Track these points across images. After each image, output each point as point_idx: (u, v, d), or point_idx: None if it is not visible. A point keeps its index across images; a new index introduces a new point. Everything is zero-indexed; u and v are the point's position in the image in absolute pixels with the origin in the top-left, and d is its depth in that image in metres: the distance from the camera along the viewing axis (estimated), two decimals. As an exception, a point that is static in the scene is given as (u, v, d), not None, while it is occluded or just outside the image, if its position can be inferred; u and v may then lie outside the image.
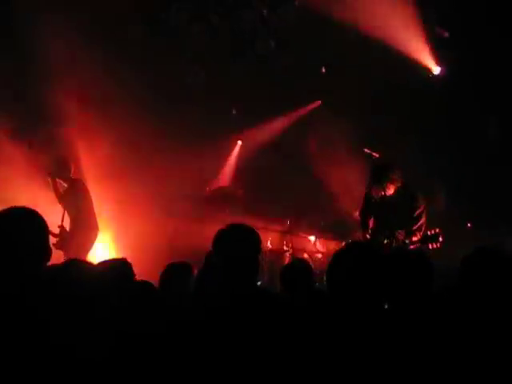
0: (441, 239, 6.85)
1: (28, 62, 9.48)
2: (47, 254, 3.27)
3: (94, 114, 9.86)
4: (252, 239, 3.74)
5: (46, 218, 3.24)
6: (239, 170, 10.86)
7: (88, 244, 9.05)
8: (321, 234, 10.21)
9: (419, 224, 7.25)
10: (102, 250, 9.63)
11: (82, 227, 9.02)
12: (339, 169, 9.92)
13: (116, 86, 9.51)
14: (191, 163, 10.18)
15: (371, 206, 7.57)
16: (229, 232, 3.74)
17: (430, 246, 6.83)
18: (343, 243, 7.04)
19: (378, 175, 7.20)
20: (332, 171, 10.11)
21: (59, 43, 9.23)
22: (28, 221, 3.18)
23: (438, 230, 6.89)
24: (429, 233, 6.94)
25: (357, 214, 10.01)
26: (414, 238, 7.02)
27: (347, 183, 9.78)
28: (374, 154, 7.51)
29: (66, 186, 9.18)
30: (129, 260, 4.06)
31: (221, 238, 3.72)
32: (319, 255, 9.68)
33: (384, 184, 7.15)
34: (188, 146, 10.14)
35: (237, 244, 3.67)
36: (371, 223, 7.59)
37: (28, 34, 9.10)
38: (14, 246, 3.05)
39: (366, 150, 7.54)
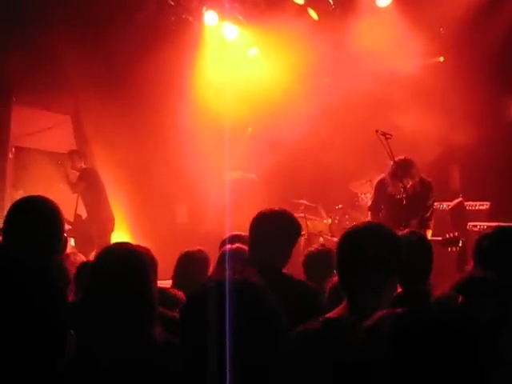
0: (460, 243, 6.92)
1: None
2: (62, 242, 3.22)
3: (114, 110, 9.86)
4: (281, 223, 3.76)
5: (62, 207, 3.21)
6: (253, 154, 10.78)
7: (107, 232, 9.14)
8: (336, 217, 10.16)
9: (430, 212, 7.50)
10: (120, 238, 9.65)
11: (98, 216, 9.10)
12: (355, 151, 9.86)
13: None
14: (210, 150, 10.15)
15: (382, 199, 7.61)
16: (262, 215, 3.75)
17: (450, 249, 6.90)
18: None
19: (400, 173, 7.21)
20: (348, 152, 10.05)
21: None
22: (43, 209, 3.13)
23: (456, 234, 6.96)
24: (447, 236, 7.02)
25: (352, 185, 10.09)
26: (429, 234, 7.09)
27: (364, 164, 9.72)
28: (387, 134, 7.42)
29: (78, 174, 9.30)
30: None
31: (254, 219, 3.73)
32: (335, 239, 9.60)
33: (405, 181, 7.19)
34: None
35: (264, 226, 3.69)
36: (382, 217, 7.64)
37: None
38: (28, 233, 3.01)
39: (378, 130, 7.45)
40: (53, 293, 1.49)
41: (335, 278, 4.39)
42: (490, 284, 2.48)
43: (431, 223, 7.46)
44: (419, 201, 7.33)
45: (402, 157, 7.36)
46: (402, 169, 7.24)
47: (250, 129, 11.15)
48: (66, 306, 1.62)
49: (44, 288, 1.46)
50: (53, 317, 1.47)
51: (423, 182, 7.45)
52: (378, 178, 7.83)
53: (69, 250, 8.08)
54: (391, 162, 7.33)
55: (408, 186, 7.21)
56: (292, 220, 3.84)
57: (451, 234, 7.02)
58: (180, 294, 4.08)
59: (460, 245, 7.00)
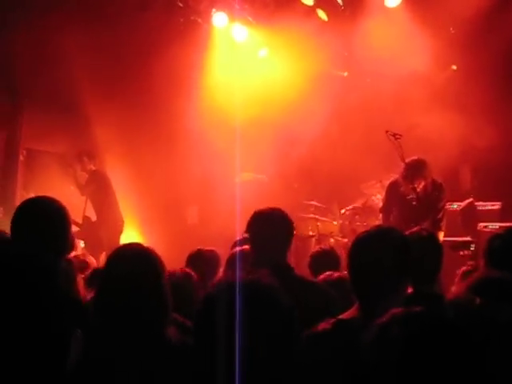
0: (472, 247, 6.91)
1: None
2: (68, 243, 3.23)
3: (123, 111, 9.87)
4: (283, 223, 3.75)
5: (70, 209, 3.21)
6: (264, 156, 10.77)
7: (116, 234, 9.13)
8: (347, 218, 10.13)
9: (442, 214, 7.53)
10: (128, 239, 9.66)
11: (107, 218, 9.09)
12: (366, 152, 9.82)
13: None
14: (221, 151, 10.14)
15: (393, 201, 7.59)
16: (262, 215, 3.75)
17: (462, 253, 6.90)
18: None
19: (412, 173, 7.21)
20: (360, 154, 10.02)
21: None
22: (49, 209, 3.13)
23: (469, 238, 6.96)
24: (459, 239, 7.03)
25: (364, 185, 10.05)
26: (441, 236, 7.08)
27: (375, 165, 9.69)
28: (397, 134, 7.40)
29: (87, 176, 9.30)
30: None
31: (255, 220, 3.73)
32: (345, 240, 9.58)
33: (416, 182, 7.19)
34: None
35: (268, 226, 3.69)
36: (393, 219, 7.62)
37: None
38: (34, 233, 3.03)
39: (388, 131, 7.43)
40: (55, 290, 1.49)
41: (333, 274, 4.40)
42: (507, 285, 2.44)
43: (443, 225, 7.44)
44: (430, 202, 7.32)
45: (414, 157, 7.35)
46: (414, 170, 7.23)
47: None
48: (71, 304, 1.62)
49: (46, 286, 1.46)
50: (55, 314, 1.47)
51: (435, 184, 7.45)
52: (390, 179, 7.83)
53: (79, 251, 8.11)
54: (403, 163, 7.32)
55: (420, 187, 7.20)
56: (285, 218, 3.82)
57: (463, 238, 7.04)
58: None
59: (472, 249, 6.99)
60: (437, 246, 4.06)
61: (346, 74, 11.05)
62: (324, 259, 5.24)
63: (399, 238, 2.90)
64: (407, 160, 7.28)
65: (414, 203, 7.13)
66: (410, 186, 7.19)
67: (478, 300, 2.08)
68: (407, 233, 4.25)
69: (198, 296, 4.05)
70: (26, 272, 1.91)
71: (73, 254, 5.19)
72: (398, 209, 7.63)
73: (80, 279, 4.32)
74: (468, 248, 7.01)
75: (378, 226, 3.07)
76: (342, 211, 10.29)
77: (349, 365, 2.44)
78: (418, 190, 7.19)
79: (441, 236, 7.14)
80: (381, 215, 7.93)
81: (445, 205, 7.58)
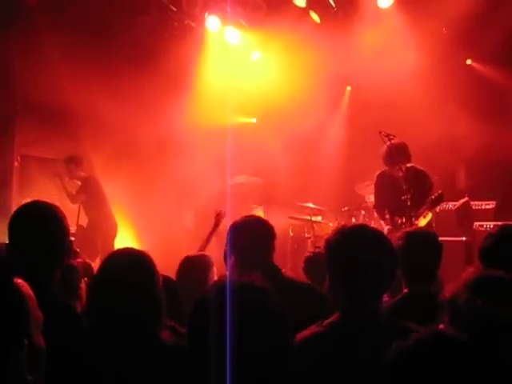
0: (444, 199, 6.96)
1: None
2: (68, 250, 3.21)
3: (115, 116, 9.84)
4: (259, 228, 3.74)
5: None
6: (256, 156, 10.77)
7: (110, 240, 9.09)
8: (342, 219, 10.13)
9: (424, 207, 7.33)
10: (123, 244, 9.64)
11: (101, 224, 9.06)
12: (360, 153, 9.82)
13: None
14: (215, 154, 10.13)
15: (386, 193, 7.54)
16: (238, 225, 3.74)
17: (438, 209, 6.88)
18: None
19: (396, 152, 7.16)
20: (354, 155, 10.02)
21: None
22: (47, 214, 3.12)
23: (440, 192, 6.98)
24: (432, 197, 6.98)
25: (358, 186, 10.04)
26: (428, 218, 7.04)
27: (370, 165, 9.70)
28: (390, 135, 7.40)
29: (79, 184, 9.20)
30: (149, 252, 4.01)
31: (232, 232, 3.73)
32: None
33: (401, 160, 7.15)
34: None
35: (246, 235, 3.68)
36: (387, 212, 7.58)
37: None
38: (31, 238, 2.99)
39: (381, 132, 7.43)
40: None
41: None
42: (507, 284, 2.37)
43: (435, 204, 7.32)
44: (415, 190, 7.22)
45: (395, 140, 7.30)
46: (398, 149, 7.18)
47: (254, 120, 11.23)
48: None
49: None
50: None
51: (418, 171, 7.40)
52: (377, 172, 7.73)
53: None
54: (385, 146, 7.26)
55: (404, 167, 7.15)
56: (262, 224, 3.82)
57: (435, 194, 7.00)
58: None
59: (444, 199, 7.03)
60: (435, 246, 4.02)
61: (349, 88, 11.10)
62: (318, 261, 5.18)
63: (382, 237, 2.80)
64: (391, 142, 7.23)
65: (405, 187, 7.04)
66: (397, 168, 7.14)
67: (479, 301, 2.06)
68: (405, 231, 4.22)
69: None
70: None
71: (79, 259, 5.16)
72: (390, 201, 7.53)
73: (83, 285, 4.32)
74: (441, 200, 7.02)
75: (358, 225, 2.94)
76: (343, 209, 10.26)
77: (353, 368, 2.42)
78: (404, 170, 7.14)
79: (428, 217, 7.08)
80: (375, 212, 7.82)
81: (430, 188, 7.40)
